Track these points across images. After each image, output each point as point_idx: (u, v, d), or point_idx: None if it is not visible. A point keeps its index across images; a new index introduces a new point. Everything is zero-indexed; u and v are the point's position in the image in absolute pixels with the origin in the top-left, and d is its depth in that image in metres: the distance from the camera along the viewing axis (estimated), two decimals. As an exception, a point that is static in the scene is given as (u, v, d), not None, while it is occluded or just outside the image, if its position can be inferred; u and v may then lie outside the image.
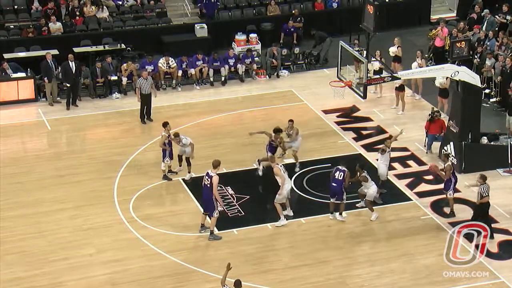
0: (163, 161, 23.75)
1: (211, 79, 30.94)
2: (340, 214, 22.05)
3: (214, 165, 20.93)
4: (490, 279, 19.54)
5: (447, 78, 25.68)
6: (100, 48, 31.71)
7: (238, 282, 16.81)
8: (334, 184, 21.78)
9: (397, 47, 29.96)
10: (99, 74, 29.76)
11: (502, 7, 32.77)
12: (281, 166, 21.86)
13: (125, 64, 30.06)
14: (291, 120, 24.55)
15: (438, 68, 24.94)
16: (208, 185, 20.76)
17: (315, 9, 35.85)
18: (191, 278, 19.68)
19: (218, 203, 20.99)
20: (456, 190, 22.72)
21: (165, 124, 23.79)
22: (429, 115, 25.68)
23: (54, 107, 29.13)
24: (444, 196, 22.31)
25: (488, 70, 29.04)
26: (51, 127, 27.75)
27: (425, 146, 25.63)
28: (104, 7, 34.00)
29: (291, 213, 22.12)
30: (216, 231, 21.22)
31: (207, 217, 21.27)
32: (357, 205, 22.46)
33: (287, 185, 21.69)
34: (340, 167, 21.83)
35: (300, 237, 21.37)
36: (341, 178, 21.66)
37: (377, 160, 23.40)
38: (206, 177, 20.87)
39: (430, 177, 23.83)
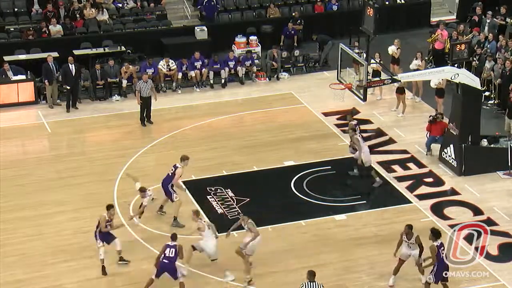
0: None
1: (211, 81, 30.94)
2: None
3: (182, 158, 21.83)
4: (490, 281, 19.55)
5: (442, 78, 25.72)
6: (100, 50, 31.75)
7: (311, 272, 17.53)
8: None
9: (397, 49, 30.01)
10: (99, 77, 29.77)
11: (500, 9, 32.81)
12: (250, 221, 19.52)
13: (124, 67, 30.07)
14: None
15: (438, 71, 24.96)
16: (170, 175, 21.57)
17: (315, 12, 35.90)
18: (191, 281, 19.66)
19: (175, 192, 21.77)
20: (455, 193, 22.83)
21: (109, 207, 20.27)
22: (430, 116, 25.68)
23: (54, 109, 29.13)
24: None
25: (488, 75, 29.04)
26: (51, 129, 27.74)
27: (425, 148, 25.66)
28: (104, 9, 34.01)
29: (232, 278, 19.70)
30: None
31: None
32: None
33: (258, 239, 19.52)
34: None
35: (300, 239, 21.38)
36: None
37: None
38: (173, 167, 21.69)
39: (430, 179, 23.83)
